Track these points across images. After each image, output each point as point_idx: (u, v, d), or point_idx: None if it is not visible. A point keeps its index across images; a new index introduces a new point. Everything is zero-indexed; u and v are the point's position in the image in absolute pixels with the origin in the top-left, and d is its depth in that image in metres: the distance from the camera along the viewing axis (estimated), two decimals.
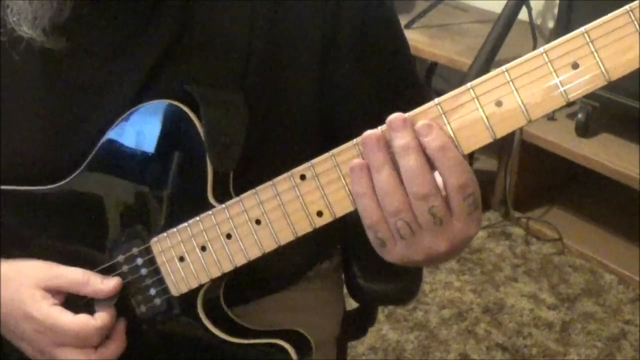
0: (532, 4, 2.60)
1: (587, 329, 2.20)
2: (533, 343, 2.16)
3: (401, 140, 0.70)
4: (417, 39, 2.73)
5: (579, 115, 2.37)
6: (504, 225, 2.64)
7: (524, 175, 2.61)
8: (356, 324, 1.24)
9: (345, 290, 1.18)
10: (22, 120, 0.90)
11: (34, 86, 0.89)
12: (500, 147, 2.57)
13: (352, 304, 1.21)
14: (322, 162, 0.75)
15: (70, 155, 0.89)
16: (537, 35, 2.61)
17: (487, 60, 2.37)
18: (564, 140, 2.38)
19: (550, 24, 2.83)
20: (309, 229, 0.78)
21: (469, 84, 0.68)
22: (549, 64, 0.66)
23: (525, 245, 2.55)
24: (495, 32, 2.37)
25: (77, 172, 0.89)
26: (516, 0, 2.38)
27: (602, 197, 2.67)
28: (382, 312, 2.23)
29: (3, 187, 0.91)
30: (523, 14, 2.49)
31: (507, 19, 2.38)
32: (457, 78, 2.45)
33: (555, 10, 2.51)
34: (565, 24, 2.28)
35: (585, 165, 2.34)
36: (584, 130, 2.39)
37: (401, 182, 0.71)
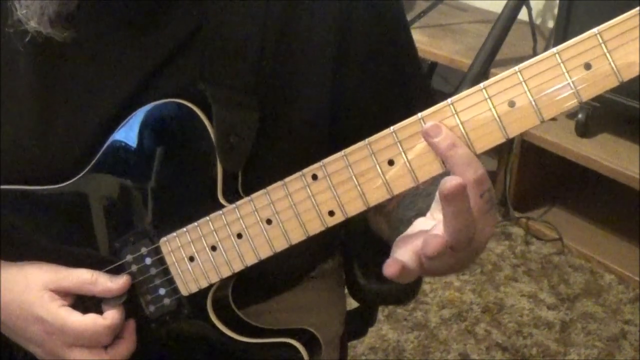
0: (532, 4, 2.60)
1: (587, 329, 2.21)
2: (533, 343, 2.16)
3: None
4: (417, 39, 2.71)
5: (579, 115, 2.38)
6: (504, 225, 2.65)
7: (524, 175, 2.62)
8: (356, 324, 1.24)
9: (345, 290, 1.18)
10: (21, 115, 0.89)
11: (34, 79, 0.88)
12: (500, 147, 2.55)
13: (352, 304, 1.21)
14: (334, 162, 0.75)
15: (70, 152, 0.89)
16: (537, 35, 2.61)
17: (487, 60, 2.36)
18: (564, 140, 2.39)
19: (550, 24, 2.83)
20: (321, 229, 0.78)
21: (481, 84, 0.69)
22: (561, 64, 0.66)
23: (525, 245, 2.56)
24: (495, 32, 2.37)
25: (84, 171, 0.88)
26: (516, 0, 2.39)
27: (602, 197, 2.67)
28: (382, 312, 2.23)
29: (4, 186, 0.90)
30: (523, 14, 2.49)
31: (507, 19, 2.38)
32: (456, 78, 2.46)
33: (555, 10, 2.51)
34: (565, 24, 2.28)
35: (585, 165, 2.34)
36: (584, 130, 2.39)
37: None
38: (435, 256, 0.67)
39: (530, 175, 2.64)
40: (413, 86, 0.97)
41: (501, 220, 2.66)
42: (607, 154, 2.31)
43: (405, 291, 1.13)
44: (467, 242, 0.70)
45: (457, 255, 0.72)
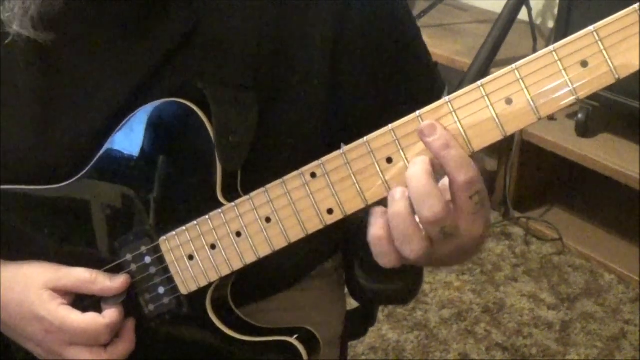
0: (532, 4, 2.60)
1: (587, 329, 2.21)
2: (533, 343, 2.16)
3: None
4: None
5: (579, 115, 2.38)
6: (504, 225, 2.65)
7: (524, 175, 2.62)
8: (356, 324, 1.24)
9: (345, 290, 1.18)
10: (20, 116, 0.89)
11: (33, 80, 0.88)
12: (500, 146, 2.58)
13: (352, 304, 1.21)
14: (332, 160, 0.75)
15: (69, 153, 0.89)
16: (537, 35, 2.61)
17: (487, 60, 2.37)
18: (564, 140, 2.39)
19: (550, 24, 2.83)
20: (320, 227, 0.78)
21: (479, 82, 0.69)
22: (558, 62, 0.67)
23: (525, 245, 2.56)
24: (495, 32, 2.38)
25: (84, 171, 0.89)
26: (516, 0, 2.39)
27: (602, 197, 2.67)
28: (382, 312, 2.24)
29: (4, 186, 0.90)
30: (523, 14, 2.49)
31: (507, 19, 2.38)
32: (457, 78, 2.46)
33: (555, 10, 2.51)
34: (565, 24, 2.29)
35: (585, 165, 2.34)
36: (584, 130, 2.39)
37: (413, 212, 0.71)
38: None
39: (530, 175, 2.64)
40: (418, 82, 0.97)
41: (501, 220, 2.66)
42: (607, 154, 2.31)
43: (405, 291, 1.13)
44: (441, 230, 0.71)
45: (438, 248, 0.73)
